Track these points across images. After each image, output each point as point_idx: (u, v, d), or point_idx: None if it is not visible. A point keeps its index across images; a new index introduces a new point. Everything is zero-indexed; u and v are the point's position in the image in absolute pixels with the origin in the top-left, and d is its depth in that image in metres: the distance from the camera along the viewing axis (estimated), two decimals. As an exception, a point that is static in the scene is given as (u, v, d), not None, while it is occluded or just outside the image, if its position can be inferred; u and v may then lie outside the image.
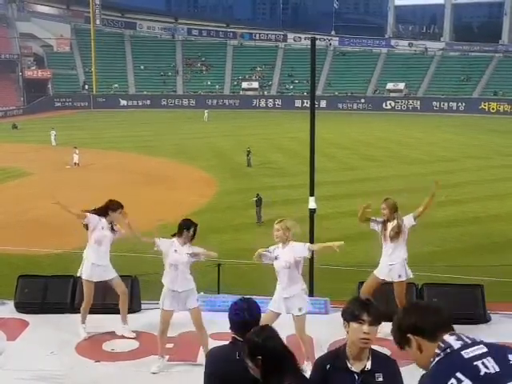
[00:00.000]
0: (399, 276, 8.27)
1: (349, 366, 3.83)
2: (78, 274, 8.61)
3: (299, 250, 7.27)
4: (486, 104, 74.86)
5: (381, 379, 3.83)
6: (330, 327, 8.47)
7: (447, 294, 8.74)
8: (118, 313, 8.56)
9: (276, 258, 7.26)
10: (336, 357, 3.91)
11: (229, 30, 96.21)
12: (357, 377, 3.82)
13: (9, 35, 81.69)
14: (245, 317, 4.17)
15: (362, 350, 3.82)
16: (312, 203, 10.45)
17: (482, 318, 8.57)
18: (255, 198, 23.91)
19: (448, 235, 21.55)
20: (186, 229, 7.42)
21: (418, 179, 31.55)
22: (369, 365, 3.85)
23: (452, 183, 30.16)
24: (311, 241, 9.78)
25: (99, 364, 7.56)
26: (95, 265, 8.41)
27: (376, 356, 3.92)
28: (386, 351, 4.93)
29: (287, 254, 7.21)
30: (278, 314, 7.29)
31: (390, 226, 8.23)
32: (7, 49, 80.00)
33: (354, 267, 13.87)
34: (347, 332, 3.82)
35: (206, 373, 4.24)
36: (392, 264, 8.25)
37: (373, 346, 3.92)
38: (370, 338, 3.76)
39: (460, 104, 76.03)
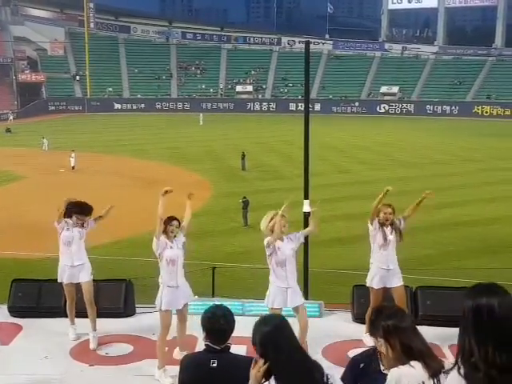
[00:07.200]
0: (399, 279, 8.13)
1: (381, 368, 3.80)
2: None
3: (297, 236, 7.48)
4: (480, 107, 75.13)
5: None
6: (324, 330, 8.49)
7: (441, 296, 8.72)
8: (112, 316, 8.51)
9: (279, 249, 7.30)
10: (371, 358, 3.90)
11: (223, 33, 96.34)
12: None
13: (2, 39, 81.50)
14: (222, 324, 4.00)
15: None
16: (306, 206, 10.44)
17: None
18: (241, 201, 23.84)
19: (443, 238, 21.57)
20: (168, 224, 7.51)
21: (412, 182, 31.62)
22: None
23: (446, 186, 30.23)
24: (305, 244, 9.80)
25: (93, 368, 7.53)
26: (67, 266, 8.26)
27: None
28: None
29: (288, 244, 7.37)
30: (281, 310, 7.22)
31: (389, 230, 8.00)
32: (1, 52, 79.79)
33: (349, 270, 13.87)
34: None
35: (178, 381, 4.14)
36: (394, 267, 8.08)
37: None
38: None
39: (453, 107, 76.30)
